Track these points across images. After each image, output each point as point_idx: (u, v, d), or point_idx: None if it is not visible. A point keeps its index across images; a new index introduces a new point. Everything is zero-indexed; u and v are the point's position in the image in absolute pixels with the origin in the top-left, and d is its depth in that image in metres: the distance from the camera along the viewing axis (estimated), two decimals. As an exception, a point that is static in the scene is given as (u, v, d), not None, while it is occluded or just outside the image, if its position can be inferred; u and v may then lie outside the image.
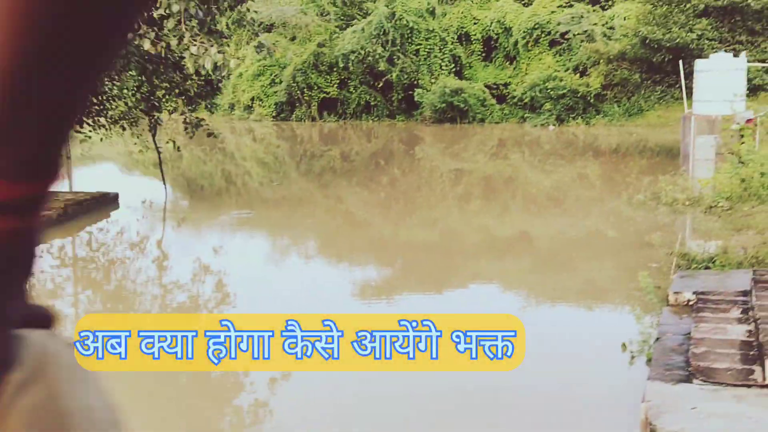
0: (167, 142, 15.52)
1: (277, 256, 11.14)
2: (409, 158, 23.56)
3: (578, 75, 33.59)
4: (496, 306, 8.21)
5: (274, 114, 38.58)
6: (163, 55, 9.96)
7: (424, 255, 10.86)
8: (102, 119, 14.83)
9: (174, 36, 9.39)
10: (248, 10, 11.97)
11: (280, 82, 38.64)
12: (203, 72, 10.74)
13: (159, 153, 15.47)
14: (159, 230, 13.38)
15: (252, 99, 39.61)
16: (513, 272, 9.91)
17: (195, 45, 9.14)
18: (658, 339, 6.07)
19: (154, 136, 15.29)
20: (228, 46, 14.10)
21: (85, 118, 14.42)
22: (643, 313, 7.26)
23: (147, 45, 9.74)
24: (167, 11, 9.28)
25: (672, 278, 7.70)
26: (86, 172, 20.96)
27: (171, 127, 16.36)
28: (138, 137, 15.25)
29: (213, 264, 10.42)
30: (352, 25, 39.33)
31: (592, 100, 32.73)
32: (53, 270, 10.08)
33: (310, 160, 23.18)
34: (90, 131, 14.93)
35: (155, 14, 10.07)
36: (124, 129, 15.18)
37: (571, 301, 8.45)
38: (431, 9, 37.95)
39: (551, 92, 33.01)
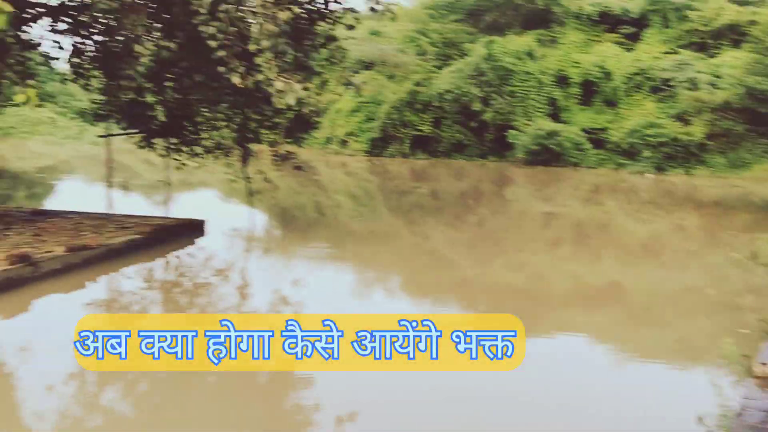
0: (256, 173, 15.55)
1: (360, 290, 10.96)
2: (498, 199, 23.15)
3: (680, 123, 32.70)
4: (578, 358, 7.91)
5: (367, 149, 38.97)
6: (250, 89, 10.13)
7: (508, 299, 10.54)
8: (197, 148, 15.16)
9: (260, 72, 9.53)
10: (339, 48, 12.01)
11: (376, 118, 39.13)
12: (284, 107, 10.81)
13: (249, 183, 15.46)
14: (240, 258, 13.23)
15: (347, 134, 40.20)
16: (600, 324, 9.54)
17: (280, 81, 9.24)
18: (738, 414, 5.70)
19: (244, 166, 15.34)
20: (322, 83, 14.31)
21: (182, 146, 15.35)
22: (725, 383, 6.78)
23: (236, 79, 9.92)
24: (258, 47, 9.47)
25: (760, 347, 7.30)
26: (187, 197, 21.70)
27: (266, 158, 16.41)
28: (230, 166, 15.42)
29: (292, 295, 10.29)
30: (449, 65, 39.53)
31: (693, 150, 31.67)
32: (134, 293, 10.27)
33: (400, 196, 22.98)
34: (187, 159, 15.40)
35: (248, 49, 10.26)
36: (217, 158, 15.44)
37: (654, 360, 8.03)
38: (530, 51, 37.74)
39: (651, 139, 32.18)
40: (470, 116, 36.93)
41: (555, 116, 36.82)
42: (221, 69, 10.14)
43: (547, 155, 33.43)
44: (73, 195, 22.19)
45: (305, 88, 9.23)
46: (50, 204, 19.25)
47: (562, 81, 37.52)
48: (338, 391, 6.70)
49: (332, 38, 11.44)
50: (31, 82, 8.35)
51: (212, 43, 9.96)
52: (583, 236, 16.66)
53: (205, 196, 22.84)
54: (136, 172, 28.53)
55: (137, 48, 10.00)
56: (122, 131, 17.10)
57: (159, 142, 15.92)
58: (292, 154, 15.18)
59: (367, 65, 42.33)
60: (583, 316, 9.83)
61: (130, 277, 11.20)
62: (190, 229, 14.37)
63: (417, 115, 38.10)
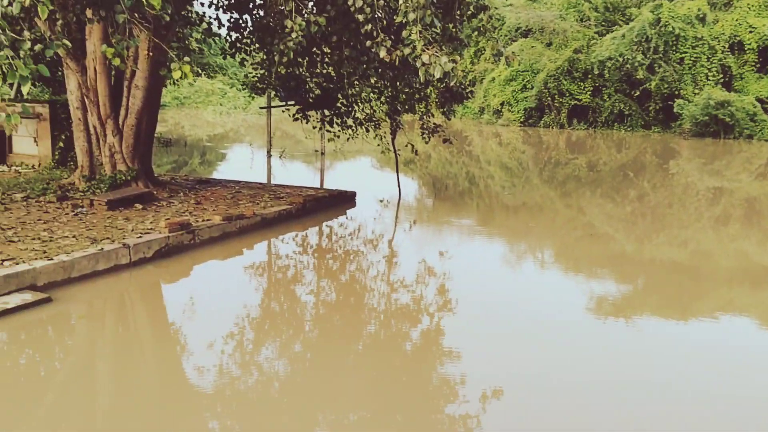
0: (407, 145, 15.59)
1: (510, 262, 10.63)
2: (661, 172, 21.95)
3: None
4: (748, 338, 7.43)
5: (522, 119, 38.02)
6: (397, 63, 10.05)
7: (669, 276, 10.00)
8: (349, 120, 15.23)
9: (407, 45, 9.46)
10: (493, 17, 12.06)
11: (531, 87, 38.04)
12: (433, 80, 10.80)
13: (396, 156, 15.50)
14: (390, 230, 12.98)
15: (501, 104, 39.34)
16: (770, 304, 9.19)
17: (426, 53, 9.13)
18: None
19: (393, 139, 15.36)
20: (476, 52, 13.92)
21: (335, 118, 15.59)
22: None
23: (383, 53, 9.88)
24: (404, 20, 9.35)
25: None
26: (340, 168, 21.78)
27: (418, 130, 16.33)
28: (381, 139, 15.49)
29: (439, 266, 10.16)
30: (612, 32, 37.73)
31: None
32: (290, 258, 10.44)
33: (555, 168, 22.21)
34: (338, 131, 15.48)
35: (395, 21, 10.34)
36: (367, 131, 15.47)
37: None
38: (701, 15, 35.32)
39: (839, 109, 30.09)
40: (633, 85, 35.21)
41: (727, 85, 34.49)
42: (369, 43, 10.18)
43: (718, 126, 31.45)
44: (235, 163, 22.69)
45: (453, 60, 8.86)
46: (215, 172, 19.91)
47: (736, 47, 35.09)
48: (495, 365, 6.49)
49: (483, 7, 11.10)
50: (186, 58, 8.64)
51: (360, 17, 9.95)
52: (755, 213, 15.50)
53: (357, 167, 22.82)
54: (297, 141, 28.89)
55: (288, 23, 10.09)
56: (280, 103, 17.34)
57: (313, 114, 16.11)
58: (440, 126, 14.97)
59: (525, 33, 41.26)
60: (750, 295, 9.14)
61: (285, 244, 11.27)
62: (341, 201, 14.37)
63: (576, 84, 36.66)
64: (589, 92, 36.27)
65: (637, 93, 35.07)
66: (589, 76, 36.22)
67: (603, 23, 40.18)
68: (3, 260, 8.32)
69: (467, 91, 14.90)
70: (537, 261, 10.83)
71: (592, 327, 7.65)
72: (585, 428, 5.28)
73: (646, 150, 28.18)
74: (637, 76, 34.44)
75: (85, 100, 13.31)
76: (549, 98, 36.93)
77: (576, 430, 5.27)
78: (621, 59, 34.70)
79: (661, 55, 34.20)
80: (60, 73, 16.71)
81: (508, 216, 14.46)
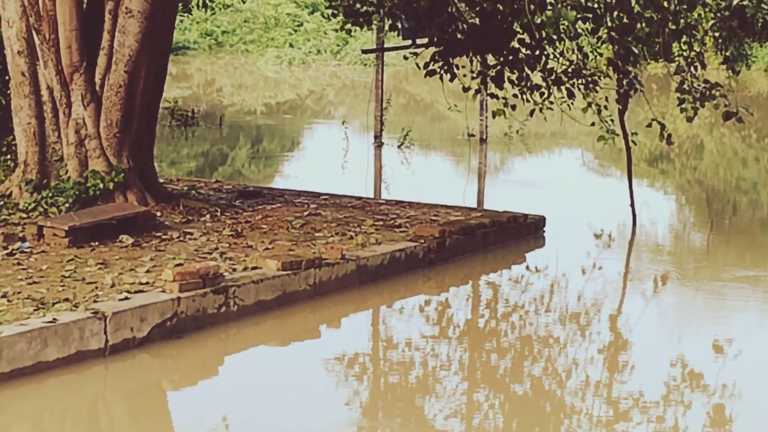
0: (648, 125, 15.24)
1: None
2: None
3: None
4: None
5: None
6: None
7: None
8: (535, 74, 15.63)
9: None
10: None
11: None
12: None
13: (628, 145, 15.38)
14: (615, 294, 12.87)
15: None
16: None
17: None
18: None
19: (623, 113, 15.13)
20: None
21: (506, 71, 16.10)
22: None
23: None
24: None
25: None
26: (518, 169, 22.58)
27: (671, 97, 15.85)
28: (596, 112, 15.31)
29: (715, 375, 9.69)
30: None
31: None
32: (415, 351, 10.47)
33: None
34: (514, 95, 15.91)
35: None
36: (570, 96, 15.58)
37: None
38: None
39: None
40: None
41: None
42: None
43: None
44: (314, 159, 23.60)
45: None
46: (276, 177, 20.70)
47: None
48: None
49: None
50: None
51: None
52: None
53: (547, 168, 22.79)
54: (433, 116, 29.26)
55: None
56: (402, 43, 17.34)
57: (465, 63, 16.02)
58: (719, 87, 14.48)
59: None
60: None
61: (403, 320, 11.36)
62: (516, 233, 14.47)
63: None
64: None
65: None
66: None
67: None
68: None
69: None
70: None
71: None
72: None
73: None
74: None
75: (35, 37, 13.18)
76: None
77: None
78: None
79: None
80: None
81: None
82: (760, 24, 14.54)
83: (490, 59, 15.98)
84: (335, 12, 19.12)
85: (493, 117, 16.85)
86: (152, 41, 13.35)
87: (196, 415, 8.48)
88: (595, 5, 14.57)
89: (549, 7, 13.74)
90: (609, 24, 14.78)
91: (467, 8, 15.35)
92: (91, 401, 8.65)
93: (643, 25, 14.39)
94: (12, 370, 8.52)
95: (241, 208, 14.34)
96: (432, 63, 16.16)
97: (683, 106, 15.18)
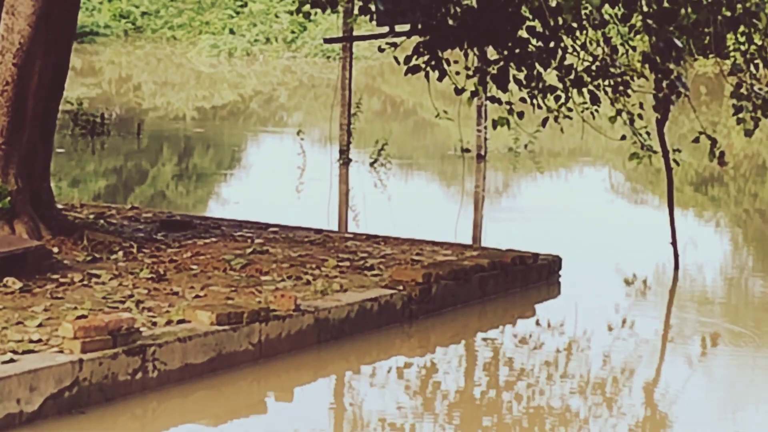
0: (694, 140, 15.17)
1: None
2: None
3: None
4: None
5: None
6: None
7: None
8: (547, 72, 15.73)
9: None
10: None
11: None
12: None
13: (668, 164, 15.14)
14: (651, 361, 12.69)
15: None
16: None
17: None
18: None
19: (662, 123, 14.98)
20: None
21: (512, 67, 16.18)
22: None
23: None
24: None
25: None
26: (525, 195, 22.92)
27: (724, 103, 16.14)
28: (628, 122, 15.27)
29: None
30: None
31: None
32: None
33: None
34: (521, 97, 15.85)
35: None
36: (595, 101, 15.41)
37: None
38: None
39: None
40: None
41: None
42: None
43: None
44: (261, 180, 23.92)
45: None
46: (211, 203, 21.49)
47: None
48: None
49: None
50: None
51: None
52: None
53: (563, 194, 23.03)
54: (416, 124, 29.18)
55: None
56: (376, 32, 17.38)
57: (458, 56, 16.12)
58: None
59: None
60: None
61: (373, 390, 11.17)
62: (522, 278, 14.29)
63: None
64: None
65: None
66: None
67: None
68: None
69: None
70: None
71: None
72: None
73: None
74: None
75: None
76: None
77: None
78: None
79: None
80: None
81: None
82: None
83: (491, 53, 16.03)
84: (290, -13, 18.86)
85: (494, 127, 16.54)
86: (50, 25, 13.23)
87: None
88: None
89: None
90: (645, 9, 14.55)
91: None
92: None
93: (689, 10, 14.12)
94: None
95: (165, 243, 14.23)
96: (415, 57, 15.96)
97: (740, 115, 15.00)
